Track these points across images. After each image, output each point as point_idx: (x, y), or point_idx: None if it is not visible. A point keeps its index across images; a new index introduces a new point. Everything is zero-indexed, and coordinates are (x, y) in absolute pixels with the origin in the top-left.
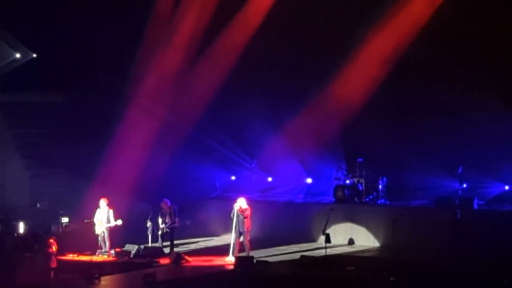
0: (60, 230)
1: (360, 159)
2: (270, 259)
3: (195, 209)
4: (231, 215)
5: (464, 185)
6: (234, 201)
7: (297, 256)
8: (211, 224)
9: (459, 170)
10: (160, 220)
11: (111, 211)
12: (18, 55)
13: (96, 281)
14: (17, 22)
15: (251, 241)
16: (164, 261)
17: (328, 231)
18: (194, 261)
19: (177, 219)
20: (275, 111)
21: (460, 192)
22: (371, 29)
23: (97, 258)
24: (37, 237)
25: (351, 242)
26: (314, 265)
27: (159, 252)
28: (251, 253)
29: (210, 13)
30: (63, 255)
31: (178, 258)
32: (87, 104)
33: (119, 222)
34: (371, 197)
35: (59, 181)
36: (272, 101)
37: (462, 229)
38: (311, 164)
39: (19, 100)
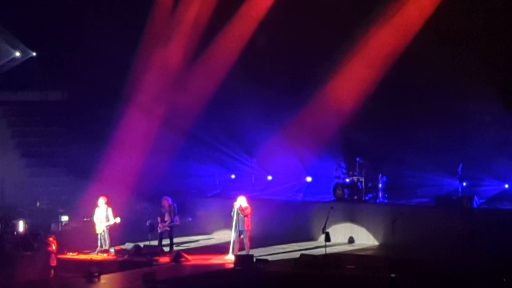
0: (60, 228)
1: (359, 158)
2: (270, 258)
3: (195, 207)
4: (231, 213)
5: (464, 184)
6: (234, 199)
7: (297, 254)
8: (210, 222)
9: (459, 167)
10: (159, 219)
11: (109, 209)
12: (17, 54)
13: (96, 280)
14: (16, 20)
15: (251, 240)
16: (164, 259)
17: (328, 229)
18: (193, 259)
19: (177, 217)
20: (275, 109)
21: (460, 190)
22: (370, 26)
23: (97, 256)
24: (36, 235)
25: (351, 240)
26: (314, 264)
27: (158, 251)
28: (251, 252)
29: (211, 8)
30: (63, 253)
31: (177, 256)
32: (86, 103)
33: (118, 220)
34: (370, 195)
35: (58, 180)
36: (271, 99)
37: (463, 228)
38: (311, 162)
39: (18, 99)
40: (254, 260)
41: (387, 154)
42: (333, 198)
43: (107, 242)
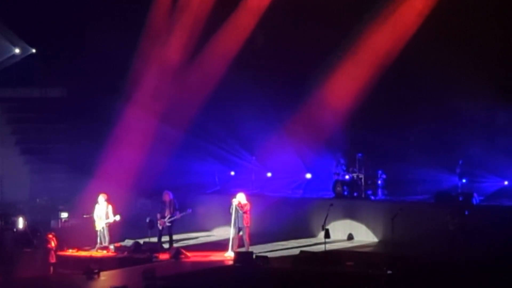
0: (60, 225)
1: (359, 154)
2: (269, 254)
3: (194, 204)
4: (230, 210)
5: (464, 180)
6: (233, 196)
7: (296, 251)
8: (210, 219)
9: (459, 163)
10: (159, 215)
11: (110, 207)
12: (17, 51)
13: (96, 277)
14: (16, 17)
15: (250, 236)
16: (164, 256)
17: (327, 226)
18: (193, 256)
19: (177, 212)
20: (275, 106)
21: (459, 187)
22: (370, 23)
23: (97, 253)
24: (36, 232)
25: (350, 237)
26: (314, 261)
27: (158, 247)
28: (251, 248)
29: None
30: (63, 250)
31: (177, 253)
32: (86, 99)
33: (117, 217)
34: (370, 192)
35: (58, 176)
36: (271, 96)
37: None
38: (310, 159)
39: (18, 96)
40: (254, 257)
41: (387, 151)
42: (332, 195)
43: (107, 239)
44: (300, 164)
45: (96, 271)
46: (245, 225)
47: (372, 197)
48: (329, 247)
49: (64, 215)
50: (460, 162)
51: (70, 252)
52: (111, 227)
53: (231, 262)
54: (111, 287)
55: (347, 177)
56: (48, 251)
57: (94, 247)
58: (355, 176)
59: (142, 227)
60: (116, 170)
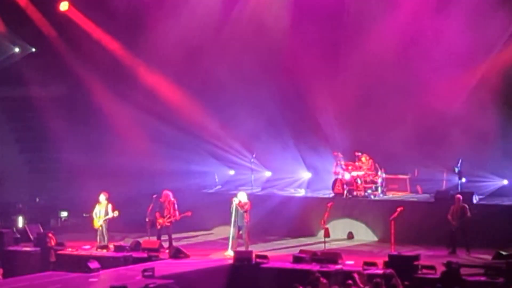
0: (59, 224)
1: (359, 153)
2: (269, 253)
3: (194, 204)
4: (230, 209)
5: (464, 179)
6: (233, 195)
7: (296, 250)
8: (210, 218)
9: (458, 163)
10: (158, 215)
11: (109, 205)
12: (17, 50)
13: (95, 275)
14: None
15: (250, 235)
16: (163, 255)
17: (327, 225)
18: (193, 255)
19: (177, 213)
20: (275, 105)
21: (459, 186)
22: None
23: (96, 252)
24: (36, 231)
25: (350, 236)
26: (313, 259)
27: (158, 246)
28: (250, 248)
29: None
30: (62, 249)
31: (177, 252)
32: (86, 98)
33: (116, 213)
34: (370, 191)
35: (58, 175)
36: (271, 95)
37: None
38: (310, 158)
39: (17, 94)
40: (254, 256)
41: (387, 149)
42: (332, 194)
43: (106, 237)
44: (300, 162)
45: (95, 269)
46: (245, 224)
47: (372, 196)
48: (329, 246)
49: (64, 214)
50: (459, 161)
51: (70, 250)
52: (111, 225)
53: (230, 261)
54: (111, 287)
55: (347, 176)
56: (47, 250)
57: (93, 246)
58: (355, 175)
59: (142, 226)
60: (116, 169)
